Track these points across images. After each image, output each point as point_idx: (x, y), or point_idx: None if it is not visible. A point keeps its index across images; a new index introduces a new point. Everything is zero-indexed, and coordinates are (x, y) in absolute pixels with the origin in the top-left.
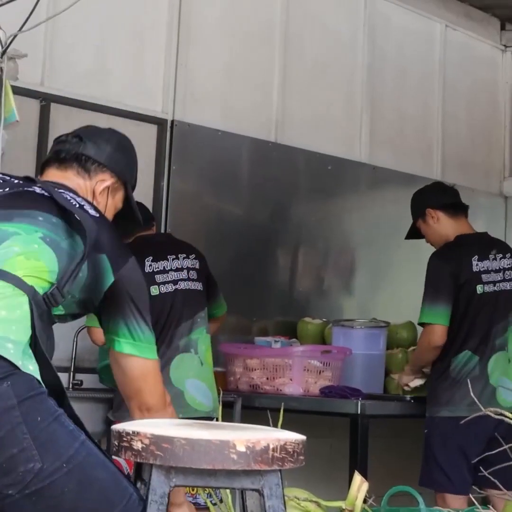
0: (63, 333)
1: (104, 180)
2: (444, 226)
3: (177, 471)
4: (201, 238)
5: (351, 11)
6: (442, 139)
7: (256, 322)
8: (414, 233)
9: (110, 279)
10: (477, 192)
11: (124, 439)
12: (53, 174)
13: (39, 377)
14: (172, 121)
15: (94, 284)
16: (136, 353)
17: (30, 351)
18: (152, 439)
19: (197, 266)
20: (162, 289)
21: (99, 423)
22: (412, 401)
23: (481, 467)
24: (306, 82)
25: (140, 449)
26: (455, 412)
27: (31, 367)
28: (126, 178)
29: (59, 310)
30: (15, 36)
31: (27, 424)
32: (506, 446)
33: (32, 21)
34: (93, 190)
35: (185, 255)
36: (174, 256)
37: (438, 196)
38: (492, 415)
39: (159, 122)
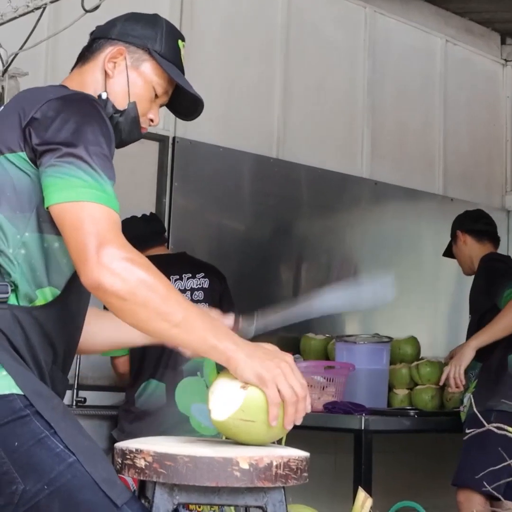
0: None
1: (113, 51)
2: (469, 249)
3: (181, 488)
4: (203, 254)
5: (352, 27)
6: (444, 153)
7: (259, 337)
8: (449, 252)
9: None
10: (479, 207)
11: (128, 457)
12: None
13: (18, 390)
14: (174, 138)
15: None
16: (52, 201)
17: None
18: (155, 457)
19: (205, 285)
20: None
21: (102, 441)
22: (416, 416)
23: None
24: (307, 97)
25: (143, 467)
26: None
27: (2, 382)
28: (146, 43)
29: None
30: (16, 54)
31: (4, 449)
32: None
33: (33, 40)
34: (103, 69)
35: (190, 275)
36: (178, 277)
37: (470, 221)
38: (496, 430)
39: (161, 139)
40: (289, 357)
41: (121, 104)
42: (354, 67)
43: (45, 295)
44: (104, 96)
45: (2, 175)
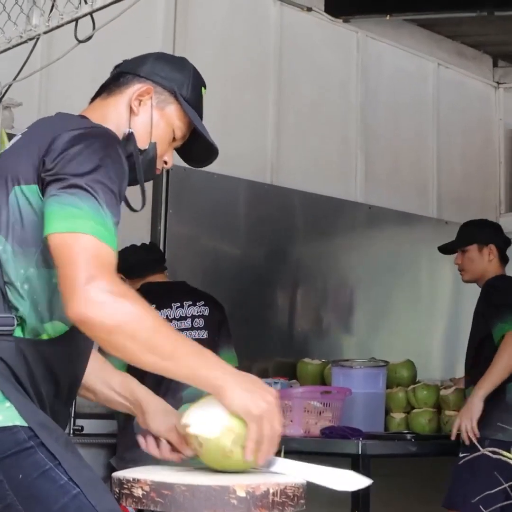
0: None
1: (141, 89)
2: (491, 265)
3: None
4: (198, 281)
5: (344, 52)
6: (437, 176)
7: (256, 363)
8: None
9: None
10: None
11: (125, 486)
12: (85, 109)
13: (21, 422)
14: None
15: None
16: (50, 231)
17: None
18: (152, 486)
19: (205, 313)
20: None
21: (100, 469)
22: (413, 440)
23: None
24: (300, 123)
25: (141, 496)
26: (510, 437)
27: (6, 414)
28: (173, 86)
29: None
30: (10, 85)
31: (8, 482)
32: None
33: (27, 70)
34: (129, 105)
35: (191, 303)
36: (179, 304)
37: (502, 240)
38: (491, 455)
39: None
40: (273, 392)
41: (142, 143)
42: (347, 92)
43: (51, 329)
44: (128, 132)
45: (13, 208)
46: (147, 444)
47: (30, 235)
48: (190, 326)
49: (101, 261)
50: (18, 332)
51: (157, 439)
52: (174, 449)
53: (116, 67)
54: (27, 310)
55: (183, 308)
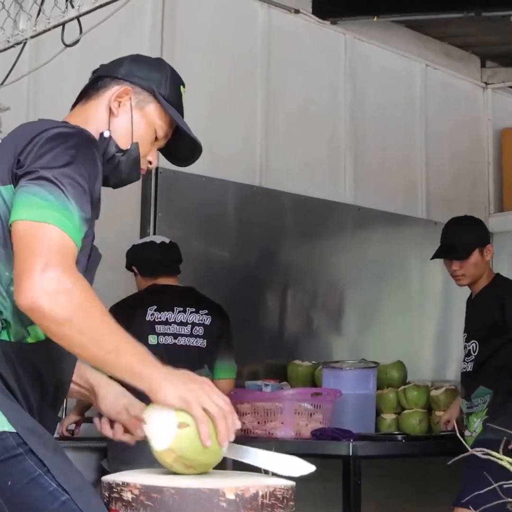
0: None
1: (120, 91)
2: (487, 265)
3: None
4: (188, 283)
5: (332, 54)
6: (426, 177)
7: (246, 365)
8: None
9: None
10: None
11: (114, 490)
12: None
13: (10, 428)
14: (157, 168)
15: None
16: (15, 218)
17: None
18: (141, 490)
19: (207, 322)
20: (161, 340)
21: (91, 472)
22: (404, 441)
23: None
24: (289, 125)
25: (130, 500)
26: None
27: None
28: (152, 86)
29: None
30: None
31: None
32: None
33: (14, 75)
34: (108, 107)
35: (194, 310)
36: (181, 309)
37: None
38: (480, 455)
39: None
40: (207, 380)
41: (123, 143)
42: (335, 93)
43: (34, 333)
44: (107, 134)
45: None
46: (101, 426)
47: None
48: (189, 333)
49: (61, 251)
50: (4, 335)
51: (112, 421)
52: (127, 430)
53: (94, 72)
54: (10, 312)
55: (185, 313)
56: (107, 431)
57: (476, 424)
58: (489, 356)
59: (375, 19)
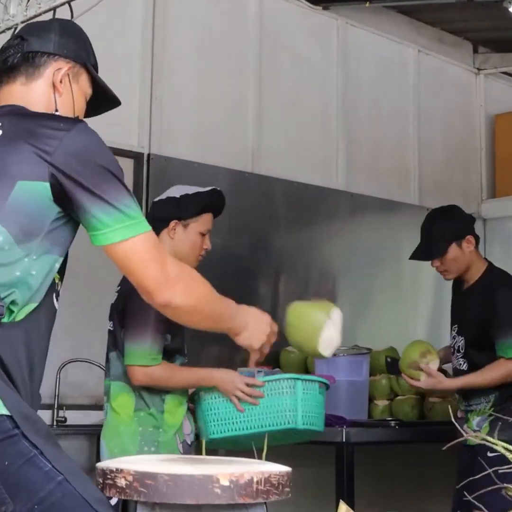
0: (45, 370)
1: (60, 68)
2: (472, 255)
3: (162, 507)
4: None
5: (324, 39)
6: (419, 163)
7: (239, 352)
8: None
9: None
10: None
11: (108, 476)
12: (6, 92)
13: (6, 411)
14: (148, 155)
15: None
16: (108, 241)
17: None
18: (135, 476)
19: (113, 301)
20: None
21: (85, 461)
22: (397, 427)
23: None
24: (281, 111)
25: (124, 486)
26: None
27: None
28: (83, 58)
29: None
30: None
31: None
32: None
33: None
34: (52, 84)
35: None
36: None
37: (473, 225)
38: (474, 439)
39: (136, 156)
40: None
41: None
42: (327, 80)
43: (24, 310)
44: (56, 113)
45: (15, 200)
46: None
47: (37, 225)
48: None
49: (160, 249)
50: (5, 318)
51: None
52: None
53: (16, 38)
54: (20, 295)
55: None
56: None
57: (475, 422)
58: (484, 355)
59: (368, 4)
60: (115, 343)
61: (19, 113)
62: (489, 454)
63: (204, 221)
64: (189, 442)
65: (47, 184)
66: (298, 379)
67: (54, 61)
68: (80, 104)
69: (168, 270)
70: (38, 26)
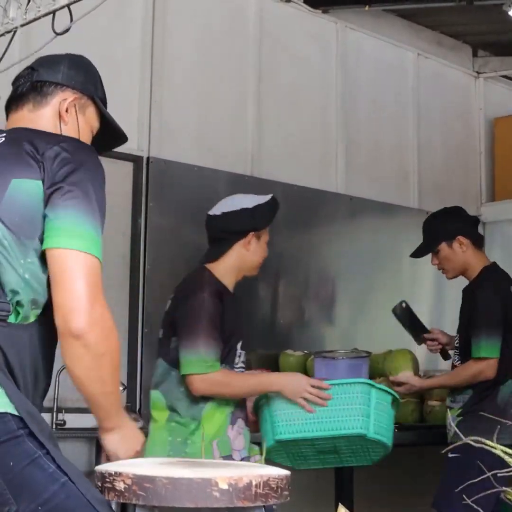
0: None
1: (66, 98)
2: (468, 256)
3: (161, 510)
4: (180, 274)
5: (323, 42)
6: (418, 167)
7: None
8: (420, 251)
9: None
10: None
11: (107, 480)
12: (15, 118)
13: (13, 410)
14: (148, 158)
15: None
16: (54, 245)
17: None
18: (134, 479)
19: (166, 308)
20: None
21: (83, 464)
22: (396, 430)
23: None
24: (280, 114)
25: (123, 490)
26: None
27: (1, 401)
28: (90, 91)
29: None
30: None
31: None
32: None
33: (5, 63)
34: (58, 113)
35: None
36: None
37: (470, 226)
38: (474, 444)
39: (135, 159)
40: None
41: None
42: (327, 83)
43: (33, 314)
44: None
45: (13, 199)
46: None
47: (32, 225)
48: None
49: (99, 279)
50: (11, 318)
51: None
52: None
53: (28, 68)
54: (25, 295)
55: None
56: None
57: (449, 420)
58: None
59: (367, 8)
60: (160, 351)
61: (25, 128)
62: (450, 455)
63: (268, 231)
64: (239, 458)
65: (40, 182)
66: (373, 386)
67: (61, 91)
68: (85, 135)
69: (97, 306)
70: (49, 59)
